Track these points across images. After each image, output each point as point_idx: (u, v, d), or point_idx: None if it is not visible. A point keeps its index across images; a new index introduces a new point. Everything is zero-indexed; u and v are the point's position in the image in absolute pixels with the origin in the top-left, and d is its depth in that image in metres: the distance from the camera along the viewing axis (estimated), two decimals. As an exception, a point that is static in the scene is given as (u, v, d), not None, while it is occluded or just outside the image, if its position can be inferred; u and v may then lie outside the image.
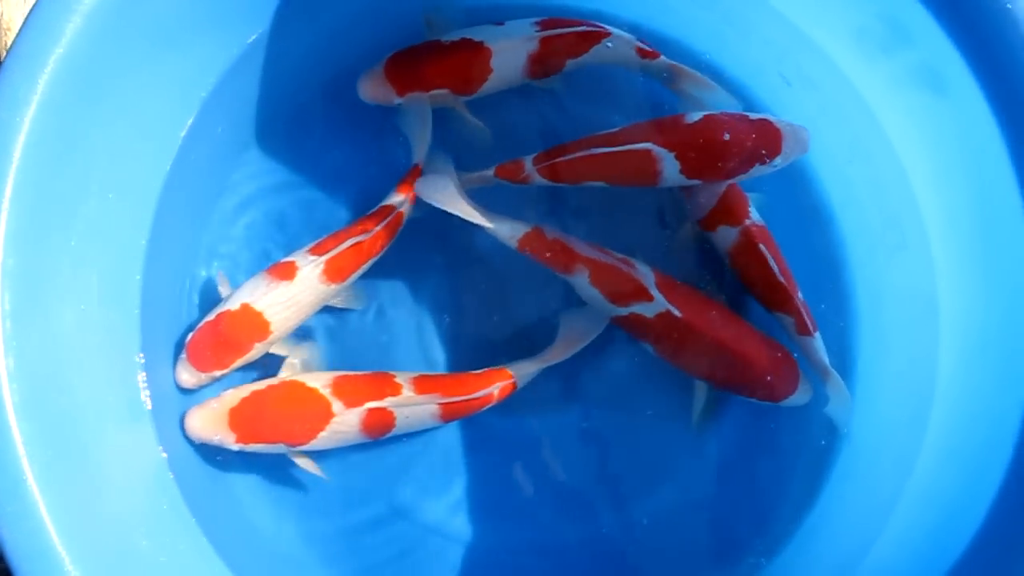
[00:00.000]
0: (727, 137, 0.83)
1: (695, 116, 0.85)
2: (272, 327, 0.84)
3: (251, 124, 0.92)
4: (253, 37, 0.86)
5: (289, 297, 0.84)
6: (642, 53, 0.91)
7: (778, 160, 0.86)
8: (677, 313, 0.83)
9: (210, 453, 0.84)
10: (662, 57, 0.91)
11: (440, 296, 0.94)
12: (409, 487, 0.91)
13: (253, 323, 0.83)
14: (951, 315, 0.84)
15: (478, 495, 0.91)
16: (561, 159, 0.86)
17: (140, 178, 0.82)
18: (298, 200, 0.94)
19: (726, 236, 0.89)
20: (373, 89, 0.90)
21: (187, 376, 0.83)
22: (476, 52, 0.89)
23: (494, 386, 0.85)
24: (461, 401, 0.84)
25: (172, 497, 0.79)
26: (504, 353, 0.89)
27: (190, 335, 0.83)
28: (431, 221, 0.88)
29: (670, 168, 0.85)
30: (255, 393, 0.82)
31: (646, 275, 0.85)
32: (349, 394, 0.82)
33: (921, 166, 0.85)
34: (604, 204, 0.94)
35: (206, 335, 0.83)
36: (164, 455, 0.80)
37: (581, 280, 0.86)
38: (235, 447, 0.81)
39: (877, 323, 0.91)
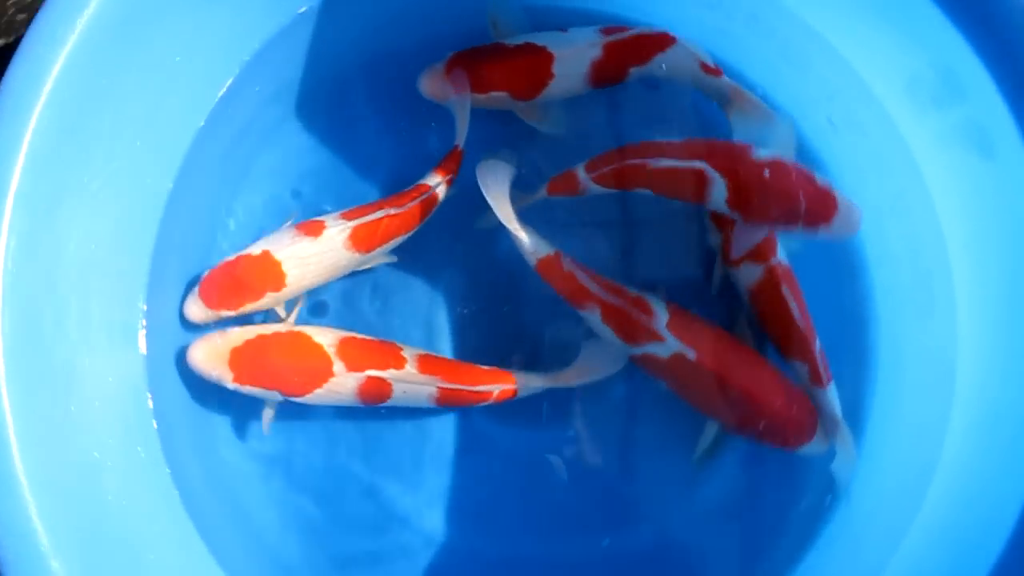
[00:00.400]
0: (786, 187, 0.81)
1: (764, 154, 0.82)
2: (287, 280, 0.84)
3: (291, 94, 0.92)
4: (304, 8, 0.87)
5: (310, 254, 0.84)
6: (705, 68, 0.89)
7: (822, 231, 0.82)
8: (691, 355, 0.81)
9: (197, 412, 0.85)
10: (724, 76, 0.89)
11: (455, 286, 0.93)
12: (391, 481, 0.90)
13: (270, 271, 0.83)
14: (967, 388, 0.80)
15: (461, 499, 0.90)
16: (616, 166, 0.85)
17: (171, 129, 0.83)
18: (327, 174, 0.93)
19: (749, 273, 0.87)
20: (432, 85, 0.89)
21: (195, 310, 0.83)
22: (538, 57, 0.88)
23: (495, 386, 0.84)
24: (459, 390, 0.84)
25: (150, 446, 0.80)
26: (511, 351, 0.89)
27: (207, 272, 0.84)
28: (458, 209, 0.88)
29: (717, 193, 0.82)
30: (261, 337, 0.82)
31: (659, 315, 0.83)
32: (353, 358, 0.82)
33: (959, 229, 0.82)
34: (636, 220, 0.93)
35: (222, 274, 0.84)
36: (150, 403, 0.81)
37: (593, 317, 0.84)
38: (231, 386, 0.81)
39: (893, 385, 0.88)
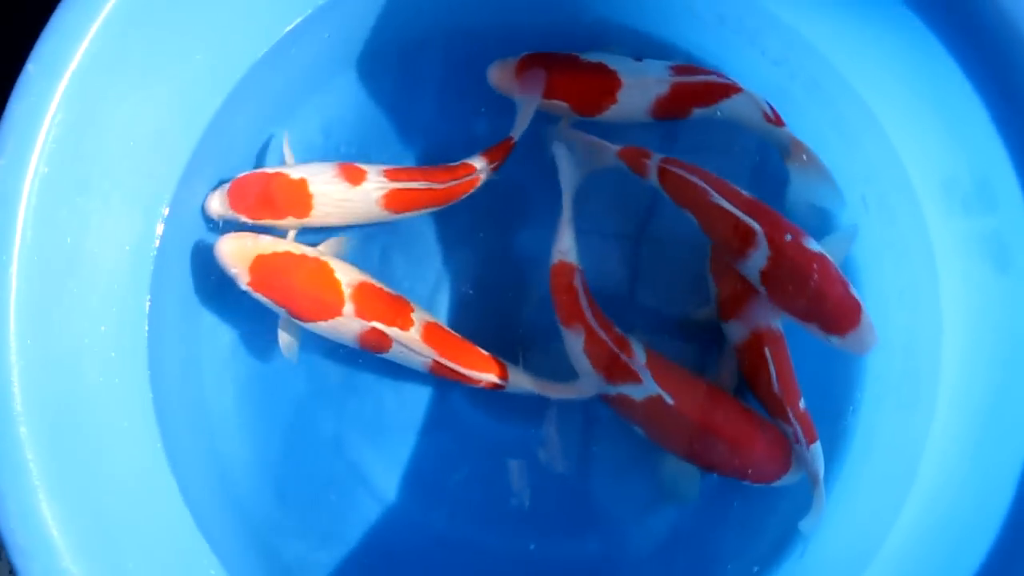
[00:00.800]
0: (823, 288, 0.80)
1: (815, 247, 0.82)
2: (312, 212, 0.85)
3: (355, 47, 0.94)
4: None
5: (343, 198, 0.86)
6: (767, 118, 0.90)
7: (835, 339, 0.82)
8: (668, 400, 0.82)
9: (191, 327, 0.88)
10: (787, 128, 0.90)
11: (467, 264, 0.94)
12: (359, 439, 0.92)
13: (299, 198, 0.85)
14: (926, 484, 0.81)
15: (422, 471, 0.92)
16: (685, 177, 0.85)
17: (233, 52, 0.85)
18: (369, 131, 0.95)
19: (736, 330, 0.87)
20: (500, 78, 0.91)
21: (216, 204, 0.84)
22: (607, 80, 0.89)
23: (487, 375, 0.86)
24: (453, 369, 0.84)
25: (137, 347, 0.82)
26: (506, 341, 0.89)
27: (242, 174, 0.85)
28: (491, 193, 0.90)
29: (757, 260, 0.82)
30: (288, 254, 0.83)
31: (638, 356, 0.84)
32: (365, 305, 0.83)
33: (959, 334, 0.83)
34: (645, 240, 0.95)
35: (255, 182, 0.85)
36: (147, 306, 0.83)
37: (576, 341, 0.85)
38: (244, 288, 0.82)
39: (858, 465, 0.88)
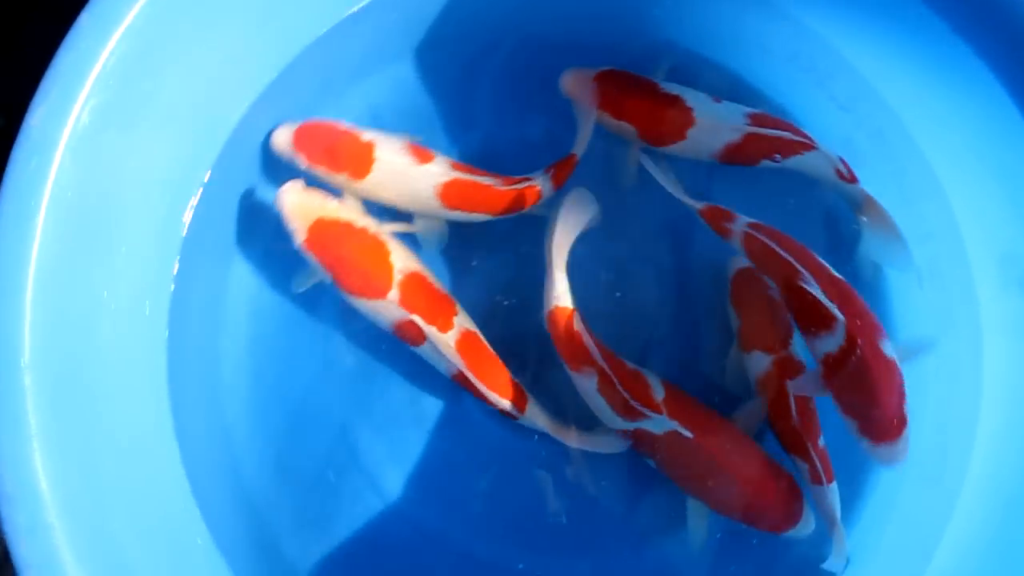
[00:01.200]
0: (880, 394, 0.76)
1: (890, 351, 0.77)
2: (368, 177, 0.84)
3: (418, 34, 0.93)
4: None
5: (403, 172, 0.84)
6: (840, 175, 0.87)
7: (867, 444, 0.78)
8: (684, 433, 0.79)
9: (214, 293, 0.87)
10: (860, 184, 0.87)
11: (504, 275, 0.92)
12: (364, 427, 0.90)
13: (361, 160, 0.84)
14: (940, 567, 0.78)
15: (424, 470, 0.90)
16: (771, 247, 0.81)
17: (289, 30, 0.85)
18: (420, 120, 0.93)
19: (758, 362, 0.85)
20: (574, 87, 0.89)
21: (282, 138, 0.84)
22: (680, 115, 0.87)
23: (505, 402, 0.84)
24: (474, 385, 0.83)
25: (158, 305, 0.82)
26: (530, 358, 0.88)
27: (318, 119, 0.85)
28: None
29: (828, 343, 0.77)
30: (350, 225, 0.82)
31: (656, 390, 0.82)
32: (410, 296, 0.82)
33: (993, 417, 0.79)
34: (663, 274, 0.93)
35: (325, 130, 0.85)
36: (175, 268, 0.83)
37: (588, 384, 0.82)
38: (297, 244, 0.81)
39: (869, 541, 0.85)
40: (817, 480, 0.81)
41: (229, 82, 0.84)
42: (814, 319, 0.78)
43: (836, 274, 0.80)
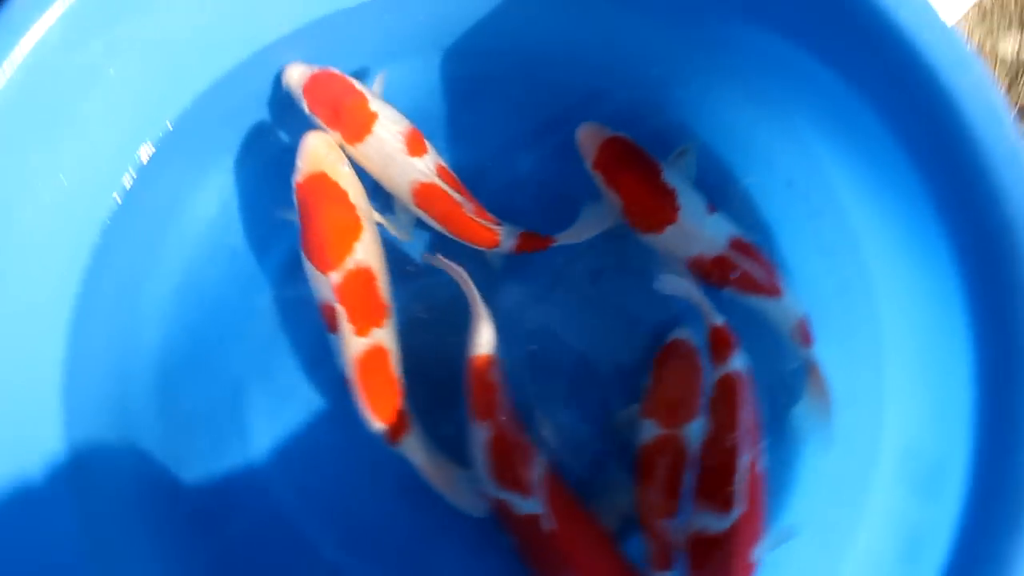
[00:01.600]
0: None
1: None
2: (359, 146, 0.85)
3: (430, 38, 0.93)
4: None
5: (390, 155, 0.85)
6: (797, 333, 0.86)
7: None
8: (546, 523, 0.79)
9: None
10: (812, 350, 0.86)
11: (529, 323, 0.91)
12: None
13: (359, 127, 0.85)
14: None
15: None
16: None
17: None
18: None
19: (648, 430, 0.84)
20: (585, 143, 0.89)
21: (295, 76, 0.86)
22: (666, 209, 0.86)
23: (384, 426, 0.83)
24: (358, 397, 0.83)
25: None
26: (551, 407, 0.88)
27: (334, 69, 0.86)
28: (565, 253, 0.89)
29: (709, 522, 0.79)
30: (343, 194, 0.83)
31: (536, 468, 0.80)
32: (348, 288, 0.82)
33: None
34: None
35: (340, 83, 0.86)
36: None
37: (478, 435, 0.81)
38: (293, 184, 0.83)
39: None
40: (661, 565, 0.80)
41: (219, 43, 0.85)
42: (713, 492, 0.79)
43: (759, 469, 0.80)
